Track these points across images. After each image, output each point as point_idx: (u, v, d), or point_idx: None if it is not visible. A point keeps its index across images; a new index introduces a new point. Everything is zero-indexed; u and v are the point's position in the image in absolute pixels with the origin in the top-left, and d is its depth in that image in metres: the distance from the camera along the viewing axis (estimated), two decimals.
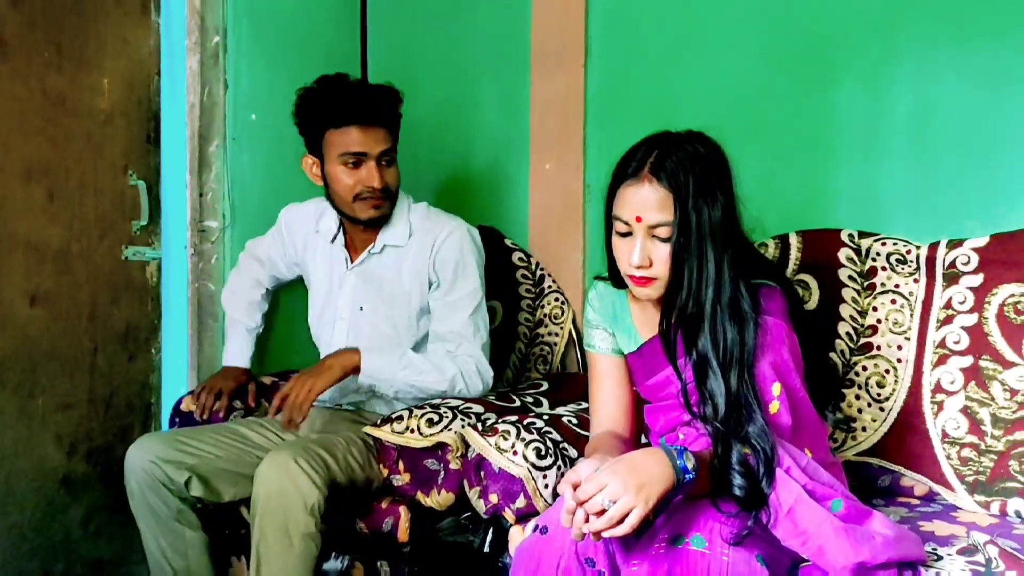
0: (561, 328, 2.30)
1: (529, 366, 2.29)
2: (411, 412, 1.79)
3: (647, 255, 1.38)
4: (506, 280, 2.33)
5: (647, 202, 1.36)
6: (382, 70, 2.64)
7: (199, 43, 2.20)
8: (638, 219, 1.37)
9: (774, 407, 1.35)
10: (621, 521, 1.15)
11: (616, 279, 1.50)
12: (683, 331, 1.40)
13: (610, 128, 2.27)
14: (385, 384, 1.90)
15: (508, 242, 2.39)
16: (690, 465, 1.22)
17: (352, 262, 2.03)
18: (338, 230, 2.06)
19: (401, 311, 2.00)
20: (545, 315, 2.31)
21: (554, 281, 2.33)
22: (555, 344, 2.30)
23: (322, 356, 2.07)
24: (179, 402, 2.10)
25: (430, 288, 1.99)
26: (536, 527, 1.32)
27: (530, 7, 2.37)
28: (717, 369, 1.34)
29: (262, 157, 2.34)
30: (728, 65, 2.11)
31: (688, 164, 1.35)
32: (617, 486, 1.16)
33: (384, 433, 1.79)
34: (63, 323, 2.10)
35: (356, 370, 1.88)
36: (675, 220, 1.34)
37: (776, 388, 1.36)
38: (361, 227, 2.00)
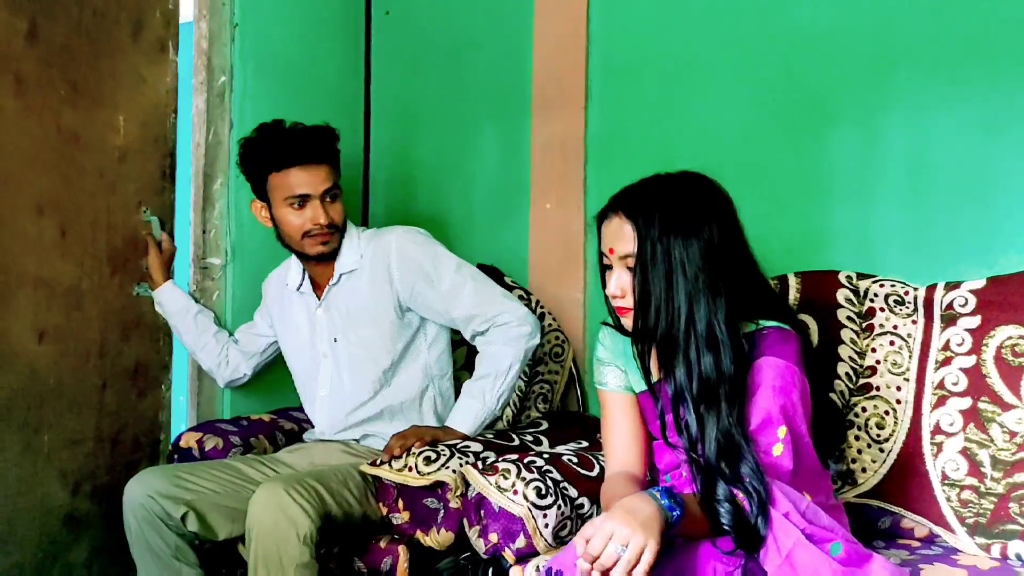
0: (561, 366, 2.31)
1: (529, 404, 2.29)
2: (409, 451, 1.79)
3: (620, 284, 1.44)
4: None
5: (616, 234, 1.43)
6: (385, 111, 2.69)
7: (206, 83, 2.24)
8: (611, 251, 1.44)
9: (777, 449, 1.36)
10: (638, 562, 1.16)
11: (616, 319, 1.52)
12: (660, 360, 1.42)
13: (610, 169, 2.30)
14: (490, 418, 1.97)
15: (508, 280, 2.40)
16: (674, 502, 1.22)
17: (319, 300, 2.09)
18: (302, 278, 2.10)
19: (369, 330, 2.03)
20: (545, 353, 2.31)
21: (555, 319, 2.34)
22: (555, 383, 2.30)
23: (311, 410, 2.14)
24: (178, 438, 2.10)
25: (408, 297, 2.01)
26: (549, 570, 1.32)
27: (531, 52, 2.41)
28: (690, 401, 1.36)
29: None
30: (725, 109, 2.14)
31: (658, 199, 1.41)
32: (624, 529, 1.16)
33: (383, 472, 1.79)
34: (72, 359, 2.09)
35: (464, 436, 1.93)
36: (635, 249, 1.39)
37: (782, 431, 1.36)
38: (315, 263, 2.05)
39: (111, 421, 2.18)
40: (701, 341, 1.37)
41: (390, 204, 2.70)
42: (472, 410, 1.94)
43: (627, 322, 1.46)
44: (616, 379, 1.59)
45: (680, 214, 1.39)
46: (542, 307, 2.35)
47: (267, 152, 1.96)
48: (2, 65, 1.91)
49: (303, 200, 1.96)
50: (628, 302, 1.44)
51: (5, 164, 1.93)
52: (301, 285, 2.11)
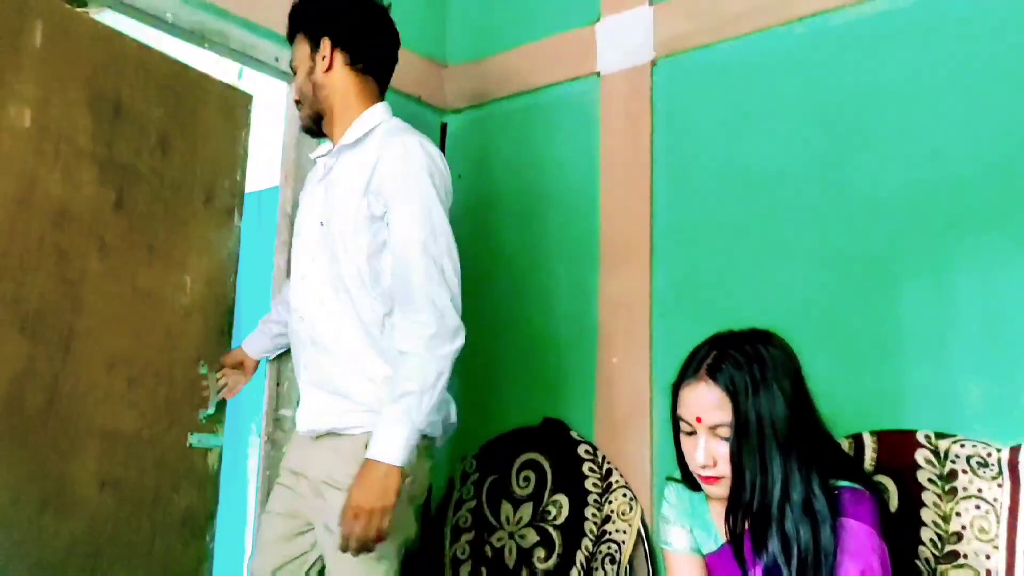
0: (629, 525, 2.24)
1: (596, 565, 2.22)
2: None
3: (711, 454, 1.39)
4: (572, 474, 2.31)
5: (705, 402, 1.39)
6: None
7: (287, 243, 2.35)
8: (698, 419, 1.40)
9: None
10: None
11: (689, 480, 1.49)
12: (752, 533, 1.37)
13: (677, 324, 2.31)
14: (418, 438, 1.69)
15: (574, 434, 2.39)
16: None
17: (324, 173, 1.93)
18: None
19: (340, 226, 1.81)
20: (612, 511, 2.26)
21: (621, 476, 2.30)
22: (623, 542, 2.23)
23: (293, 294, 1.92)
24: None
25: (378, 218, 1.80)
26: None
27: (598, 211, 2.48)
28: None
29: None
30: (791, 265, 2.15)
31: (745, 363, 1.38)
32: None
33: None
34: (128, 508, 2.11)
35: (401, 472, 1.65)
36: (732, 419, 1.35)
37: None
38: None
39: (159, 571, 2.16)
40: (797, 512, 1.32)
41: (458, 357, 2.73)
42: (401, 436, 1.65)
43: (717, 490, 1.42)
44: (681, 540, 1.54)
45: (763, 373, 1.37)
46: (609, 463, 2.32)
47: None
48: (91, 231, 2.05)
49: None
50: (720, 470, 1.39)
51: (85, 321, 2.03)
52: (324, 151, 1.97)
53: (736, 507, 1.38)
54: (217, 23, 2.24)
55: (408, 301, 1.73)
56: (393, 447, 1.64)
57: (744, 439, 1.34)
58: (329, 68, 1.90)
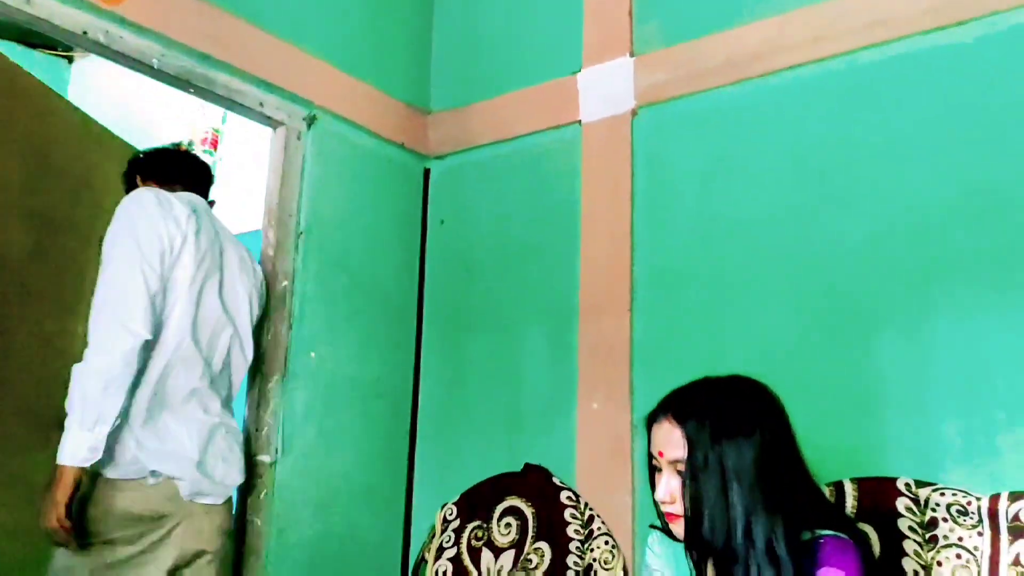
0: (612, 574, 2.22)
1: None
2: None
3: (670, 490, 1.41)
4: (554, 521, 2.29)
5: (667, 439, 1.43)
6: (437, 313, 2.78)
7: (269, 286, 2.35)
8: (660, 454, 1.43)
9: None
10: None
11: (665, 524, 1.49)
12: (717, 573, 1.37)
13: (656, 371, 2.31)
14: (97, 442, 1.80)
15: (556, 480, 2.37)
16: None
17: None
18: None
19: None
20: (595, 559, 2.24)
21: (603, 523, 2.29)
22: None
23: None
24: None
25: None
26: None
27: (578, 259, 2.49)
28: None
29: (319, 394, 2.41)
30: (770, 315, 2.17)
31: (708, 403, 1.41)
32: None
33: None
34: (36, 557, 2.06)
35: (76, 473, 1.80)
36: (686, 457, 1.38)
37: None
38: None
39: None
40: (761, 558, 1.33)
41: (439, 403, 2.73)
42: (64, 439, 1.81)
43: (676, 529, 1.43)
44: None
45: (732, 419, 1.39)
46: (591, 509, 2.30)
47: None
48: (13, 278, 2.08)
49: None
50: (678, 508, 1.41)
51: (2, 371, 2.05)
52: None
53: (697, 543, 1.38)
54: (202, 69, 2.25)
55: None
56: (68, 453, 1.80)
57: (700, 475, 1.36)
58: None
